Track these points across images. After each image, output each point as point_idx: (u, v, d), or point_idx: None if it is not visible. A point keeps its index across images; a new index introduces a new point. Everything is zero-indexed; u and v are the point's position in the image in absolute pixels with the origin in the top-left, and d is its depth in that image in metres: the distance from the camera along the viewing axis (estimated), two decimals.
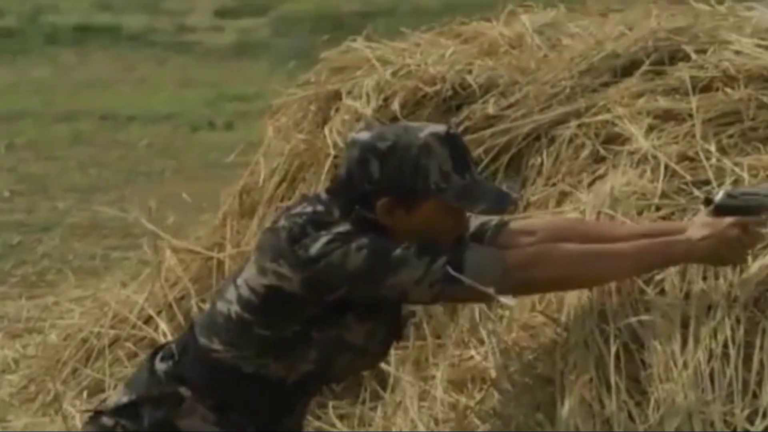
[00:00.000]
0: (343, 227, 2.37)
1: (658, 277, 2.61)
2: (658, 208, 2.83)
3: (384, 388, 3.02)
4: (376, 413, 3.00)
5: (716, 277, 2.58)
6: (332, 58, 3.78)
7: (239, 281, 2.46)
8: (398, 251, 2.33)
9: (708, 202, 2.56)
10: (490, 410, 2.67)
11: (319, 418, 3.05)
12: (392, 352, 3.05)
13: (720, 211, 2.50)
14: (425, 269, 2.33)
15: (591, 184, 3.01)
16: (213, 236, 3.67)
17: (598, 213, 2.82)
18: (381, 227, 2.39)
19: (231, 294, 2.47)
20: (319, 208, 2.44)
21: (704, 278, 2.59)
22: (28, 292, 4.76)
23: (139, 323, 3.53)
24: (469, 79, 3.32)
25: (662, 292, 2.59)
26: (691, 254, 2.48)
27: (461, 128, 3.20)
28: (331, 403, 3.08)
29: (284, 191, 3.53)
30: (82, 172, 7.37)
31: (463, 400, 2.74)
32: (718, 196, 2.53)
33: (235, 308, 2.44)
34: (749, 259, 2.56)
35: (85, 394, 3.51)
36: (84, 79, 10.76)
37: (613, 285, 2.61)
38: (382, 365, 3.04)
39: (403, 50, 3.63)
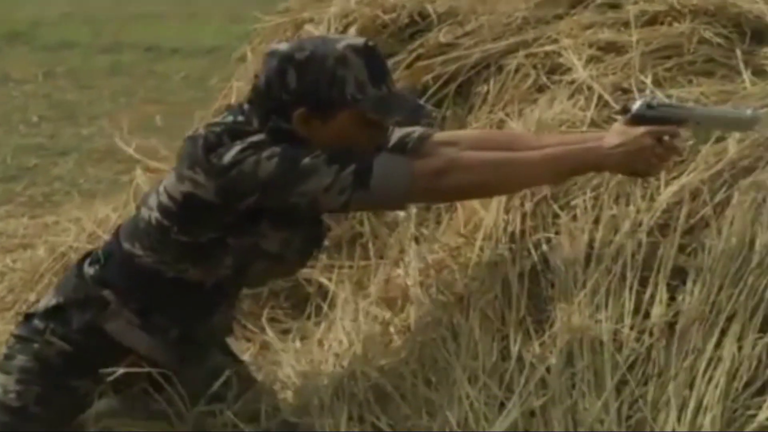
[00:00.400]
0: (258, 137, 2.42)
1: (573, 202, 2.67)
2: None
3: (330, 306, 3.12)
4: (319, 328, 3.10)
5: (627, 204, 2.62)
6: None
7: (160, 188, 2.53)
8: (308, 159, 2.36)
9: (625, 110, 2.50)
10: (406, 325, 2.75)
11: (263, 329, 3.15)
12: (336, 270, 3.16)
13: (636, 120, 2.44)
14: (334, 177, 2.35)
15: (531, 112, 3.06)
16: None
17: None
18: (298, 138, 2.43)
19: (153, 201, 2.54)
20: (240, 118, 2.50)
21: (616, 203, 2.64)
22: (31, 211, 4.89)
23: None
24: (429, 8, 3.36)
25: (575, 217, 2.65)
26: (603, 161, 2.43)
27: (413, 55, 3.25)
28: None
29: None
30: (113, 101, 7.50)
31: (387, 316, 2.82)
32: (636, 105, 2.47)
33: (155, 215, 2.52)
34: (662, 172, 2.57)
35: None
36: (137, 12, 10.89)
37: (528, 208, 2.67)
38: (326, 283, 3.15)
39: None
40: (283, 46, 2.49)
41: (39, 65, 8.56)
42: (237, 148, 2.40)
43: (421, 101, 2.65)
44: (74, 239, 3.88)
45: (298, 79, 2.43)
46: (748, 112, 2.49)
